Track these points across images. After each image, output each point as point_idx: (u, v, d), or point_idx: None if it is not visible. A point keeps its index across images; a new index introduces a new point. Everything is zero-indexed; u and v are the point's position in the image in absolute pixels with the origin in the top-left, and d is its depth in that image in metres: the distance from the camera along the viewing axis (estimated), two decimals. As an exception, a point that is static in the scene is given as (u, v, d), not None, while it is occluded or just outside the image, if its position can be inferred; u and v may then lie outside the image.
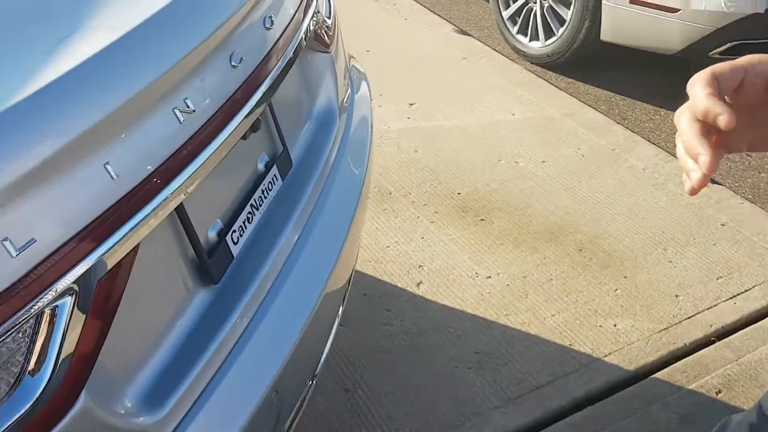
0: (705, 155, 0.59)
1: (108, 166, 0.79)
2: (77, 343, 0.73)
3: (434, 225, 2.38)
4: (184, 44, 0.91)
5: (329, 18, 1.48)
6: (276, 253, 1.10)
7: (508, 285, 2.14)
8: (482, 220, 2.40)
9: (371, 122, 1.55)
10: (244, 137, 1.05)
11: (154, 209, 0.83)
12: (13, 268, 0.68)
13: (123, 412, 0.83)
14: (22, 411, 0.69)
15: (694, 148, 0.60)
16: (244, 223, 1.09)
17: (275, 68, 1.12)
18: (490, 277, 2.17)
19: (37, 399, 0.70)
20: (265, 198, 1.15)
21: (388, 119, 2.96)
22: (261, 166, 1.17)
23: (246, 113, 1.02)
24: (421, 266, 2.22)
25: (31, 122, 0.72)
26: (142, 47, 0.88)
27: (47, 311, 0.71)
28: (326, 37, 1.40)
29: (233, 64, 1.04)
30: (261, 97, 1.07)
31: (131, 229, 0.80)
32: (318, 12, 1.41)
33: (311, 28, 1.33)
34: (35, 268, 0.70)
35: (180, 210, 0.93)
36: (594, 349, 1.91)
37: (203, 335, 0.95)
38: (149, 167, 0.84)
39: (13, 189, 0.68)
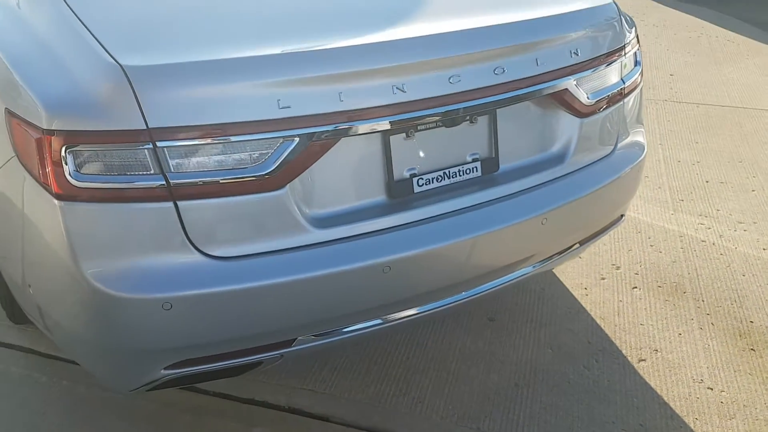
0: None
1: (393, 85, 1.54)
2: (291, 161, 1.49)
3: (701, 331, 2.45)
4: (474, 46, 1.61)
5: (613, 95, 1.92)
6: (444, 206, 1.68)
7: (722, 402, 2.13)
8: (752, 350, 2.35)
9: (598, 191, 1.92)
10: (453, 124, 1.65)
11: (369, 122, 1.54)
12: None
13: (303, 209, 1.54)
14: (259, 173, 1.47)
15: None
16: (432, 179, 1.69)
17: (500, 95, 1.68)
18: (711, 389, 2.19)
19: (266, 172, 1.47)
20: (459, 175, 1.73)
21: (724, 228, 2.98)
22: (468, 157, 1.74)
23: (461, 107, 1.63)
24: (656, 351, 2.35)
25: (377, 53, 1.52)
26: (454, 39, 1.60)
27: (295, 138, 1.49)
28: (579, 106, 1.85)
29: (495, 73, 1.65)
30: (477, 105, 1.65)
31: (347, 126, 1.52)
32: (604, 89, 1.89)
33: (572, 92, 1.82)
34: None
35: (386, 141, 1.61)
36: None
37: (370, 213, 1.62)
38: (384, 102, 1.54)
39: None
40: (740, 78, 4.87)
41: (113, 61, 1.41)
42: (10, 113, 1.53)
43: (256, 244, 1.52)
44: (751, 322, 2.49)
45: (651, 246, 2.94)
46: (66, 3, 1.61)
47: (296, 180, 1.52)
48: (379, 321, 1.71)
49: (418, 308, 1.75)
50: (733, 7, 6.69)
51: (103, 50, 1.44)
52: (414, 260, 1.63)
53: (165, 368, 1.57)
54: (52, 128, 1.40)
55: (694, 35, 5.86)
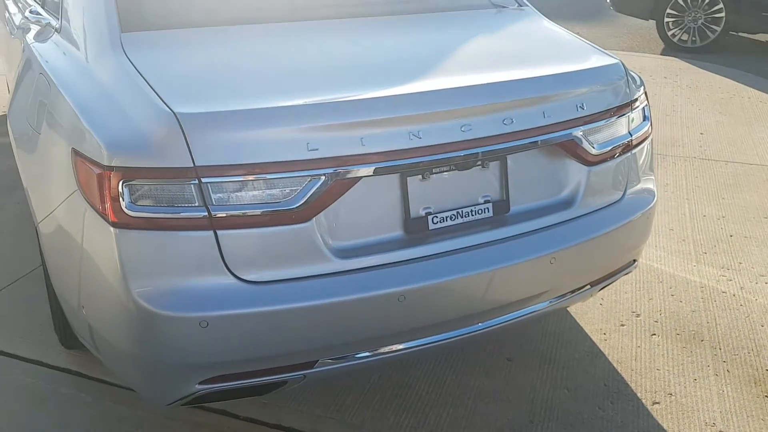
0: None
1: (409, 132, 1.73)
2: (318, 197, 1.67)
3: (716, 378, 2.50)
4: (483, 99, 1.79)
5: (622, 148, 2.07)
6: (457, 242, 1.83)
7: (733, 446, 2.18)
8: (767, 397, 2.40)
9: (606, 238, 2.05)
10: (465, 168, 1.82)
11: (387, 164, 1.73)
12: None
13: (327, 240, 1.72)
14: (289, 207, 1.66)
15: None
16: (446, 218, 1.85)
17: (508, 143, 1.85)
18: (723, 432, 2.24)
19: (295, 207, 1.66)
20: (472, 215, 1.88)
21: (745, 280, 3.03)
22: (480, 198, 1.90)
23: (471, 153, 1.80)
24: (671, 394, 2.41)
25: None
26: (465, 92, 1.79)
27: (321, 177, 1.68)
28: (586, 155, 2.01)
29: (504, 123, 1.83)
30: (487, 151, 1.82)
31: (368, 167, 1.70)
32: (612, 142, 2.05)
33: (579, 142, 1.98)
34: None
35: (403, 181, 1.78)
36: None
37: (388, 246, 1.78)
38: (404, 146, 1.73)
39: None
40: (770, 137, 4.95)
41: (167, 108, 1.64)
42: (75, 152, 1.76)
43: (284, 270, 1.69)
44: (767, 370, 2.54)
45: (672, 295, 3.01)
46: (128, 58, 1.86)
47: (321, 214, 1.70)
48: (393, 348, 1.85)
49: (431, 337, 1.88)
50: None
51: (159, 99, 1.67)
52: (428, 291, 1.78)
53: (199, 383, 1.73)
54: (112, 165, 1.62)
55: (726, 96, 5.96)
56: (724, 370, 2.54)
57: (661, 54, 7.80)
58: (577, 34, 2.53)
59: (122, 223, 1.62)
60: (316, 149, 1.67)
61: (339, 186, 1.70)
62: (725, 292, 3.04)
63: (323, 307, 1.70)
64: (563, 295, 2.11)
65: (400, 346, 1.87)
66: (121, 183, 1.61)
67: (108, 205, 1.63)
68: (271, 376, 1.77)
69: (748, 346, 2.67)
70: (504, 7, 2.63)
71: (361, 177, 1.72)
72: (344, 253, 1.75)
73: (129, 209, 1.61)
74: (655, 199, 2.26)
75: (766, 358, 2.60)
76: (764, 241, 3.47)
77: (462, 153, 1.80)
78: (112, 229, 1.63)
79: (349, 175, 1.70)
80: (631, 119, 2.14)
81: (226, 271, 1.66)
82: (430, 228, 1.85)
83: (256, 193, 1.66)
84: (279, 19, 2.23)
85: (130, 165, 1.61)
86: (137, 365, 1.76)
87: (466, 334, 1.93)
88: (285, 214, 1.67)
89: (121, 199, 1.61)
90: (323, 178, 1.68)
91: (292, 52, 2.02)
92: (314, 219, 1.69)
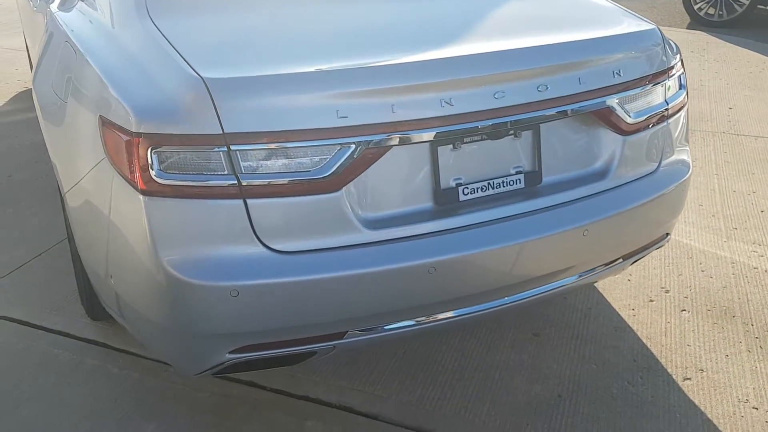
0: None
1: (440, 99, 1.69)
2: (347, 166, 1.64)
3: (749, 354, 2.45)
4: (517, 64, 1.74)
5: (662, 115, 2.01)
6: (488, 214, 1.80)
7: (767, 422, 2.14)
8: (802, 373, 2.35)
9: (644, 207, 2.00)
10: (497, 137, 1.78)
11: (418, 133, 1.69)
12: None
13: (356, 210, 1.69)
14: (319, 177, 1.63)
15: None
16: (477, 189, 1.81)
17: (542, 111, 1.80)
18: (757, 408, 2.20)
19: (324, 176, 1.63)
20: (503, 186, 1.84)
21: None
22: (511, 169, 1.86)
23: (504, 121, 1.75)
24: (702, 371, 2.37)
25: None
26: (499, 57, 1.74)
27: (351, 146, 1.64)
28: (621, 124, 1.95)
29: (539, 90, 1.78)
30: (521, 119, 1.77)
31: (398, 136, 1.67)
32: (650, 108, 1.99)
33: (614, 110, 1.92)
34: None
35: (433, 151, 1.74)
36: None
37: (418, 217, 1.75)
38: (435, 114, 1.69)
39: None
40: (802, 112, 4.83)
41: (195, 74, 1.60)
42: (102, 120, 1.73)
43: (313, 240, 1.66)
44: (802, 347, 2.49)
45: (702, 271, 2.96)
46: (154, 24, 1.83)
47: (351, 184, 1.67)
48: (423, 320, 1.83)
49: (460, 310, 1.85)
50: (797, 43, 6.62)
51: (187, 64, 1.64)
52: (458, 263, 1.74)
53: (230, 352, 1.72)
54: (140, 131, 1.59)
55: (755, 70, 5.82)
56: (756, 347, 2.49)
57: (687, 28, 7.63)
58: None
59: (151, 191, 1.60)
60: (346, 116, 1.63)
61: (369, 155, 1.66)
62: (756, 268, 2.97)
63: (352, 278, 1.67)
64: (594, 269, 2.06)
65: (429, 318, 1.84)
66: (149, 150, 1.59)
67: (137, 173, 1.60)
68: (301, 346, 1.75)
69: (781, 322, 2.62)
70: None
71: (391, 146, 1.68)
72: (374, 224, 1.72)
73: (158, 177, 1.59)
74: (690, 170, 2.20)
75: (799, 334, 2.55)
76: (796, 217, 3.39)
77: (495, 121, 1.75)
78: (140, 197, 1.61)
79: (379, 144, 1.67)
80: (667, 87, 2.08)
81: (256, 240, 1.63)
82: (461, 199, 1.81)
83: (285, 161, 1.63)
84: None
85: (159, 132, 1.58)
86: (166, 335, 1.75)
87: (495, 307, 1.89)
88: (314, 184, 1.64)
89: (150, 166, 1.59)
90: (353, 146, 1.65)
91: (322, 16, 1.98)
92: (344, 189, 1.66)
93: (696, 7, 7.82)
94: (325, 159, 1.64)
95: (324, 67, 1.65)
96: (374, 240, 1.71)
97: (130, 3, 1.94)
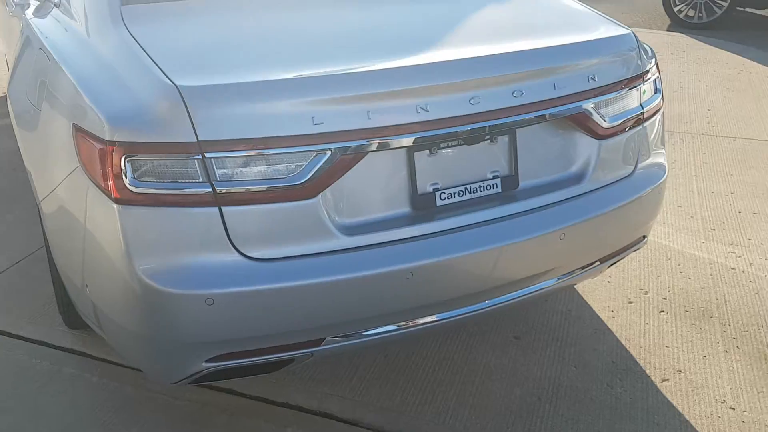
0: None
1: (416, 105, 1.69)
2: (323, 172, 1.64)
3: (726, 354, 2.48)
4: (492, 70, 1.75)
5: (637, 120, 2.03)
6: (465, 219, 1.80)
7: (743, 422, 2.16)
8: (778, 373, 2.38)
9: (617, 210, 2.02)
10: (473, 142, 1.78)
11: (394, 139, 1.68)
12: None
13: (333, 217, 1.68)
14: (294, 183, 1.62)
15: None
16: (454, 193, 1.82)
17: (518, 116, 1.80)
18: (733, 408, 2.22)
19: (300, 182, 1.63)
20: (480, 191, 1.85)
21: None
22: (488, 174, 1.86)
23: (480, 126, 1.76)
24: (680, 371, 2.39)
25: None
26: (473, 63, 1.75)
27: (327, 152, 1.64)
28: (597, 129, 1.96)
29: (514, 95, 1.79)
30: (496, 125, 1.78)
31: (374, 141, 1.67)
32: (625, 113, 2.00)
33: (590, 115, 1.93)
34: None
35: (410, 156, 1.74)
36: None
37: (395, 223, 1.75)
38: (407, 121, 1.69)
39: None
40: (779, 113, 4.89)
41: (169, 81, 1.60)
42: (76, 128, 1.72)
43: (289, 247, 1.66)
44: (778, 347, 2.52)
45: (680, 272, 2.98)
46: (129, 31, 1.82)
47: (327, 190, 1.67)
48: (401, 326, 1.83)
49: (439, 315, 1.85)
50: (775, 45, 6.70)
51: (161, 72, 1.63)
52: (435, 268, 1.75)
53: (206, 361, 1.71)
54: (114, 140, 1.58)
55: (734, 71, 5.89)
56: (734, 347, 2.52)
57: (667, 30, 7.70)
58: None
59: (125, 200, 1.59)
60: (322, 123, 1.63)
61: (345, 161, 1.66)
62: (734, 269, 3.01)
63: (329, 285, 1.67)
64: (572, 272, 2.08)
65: (408, 324, 1.84)
66: (123, 158, 1.57)
67: (111, 181, 1.59)
68: (279, 353, 1.74)
69: (758, 322, 2.65)
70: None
71: (368, 152, 1.69)
72: (351, 230, 1.72)
73: (132, 185, 1.58)
74: (666, 173, 2.22)
75: (776, 334, 2.58)
76: (773, 218, 3.43)
77: (470, 126, 1.75)
78: (115, 205, 1.60)
79: (356, 150, 1.67)
80: (642, 91, 2.10)
81: (232, 248, 1.63)
82: (438, 204, 1.81)
83: (260, 168, 1.62)
84: (282, -9, 2.17)
85: (133, 140, 1.57)
86: (142, 344, 1.74)
87: (474, 311, 1.90)
88: (290, 190, 1.63)
89: (123, 175, 1.58)
90: (329, 153, 1.65)
91: (296, 23, 1.98)
92: (320, 195, 1.66)
93: (676, 9, 7.90)
94: (300, 166, 1.64)
95: (299, 73, 1.65)
96: (351, 246, 1.71)
97: (105, 10, 1.92)
